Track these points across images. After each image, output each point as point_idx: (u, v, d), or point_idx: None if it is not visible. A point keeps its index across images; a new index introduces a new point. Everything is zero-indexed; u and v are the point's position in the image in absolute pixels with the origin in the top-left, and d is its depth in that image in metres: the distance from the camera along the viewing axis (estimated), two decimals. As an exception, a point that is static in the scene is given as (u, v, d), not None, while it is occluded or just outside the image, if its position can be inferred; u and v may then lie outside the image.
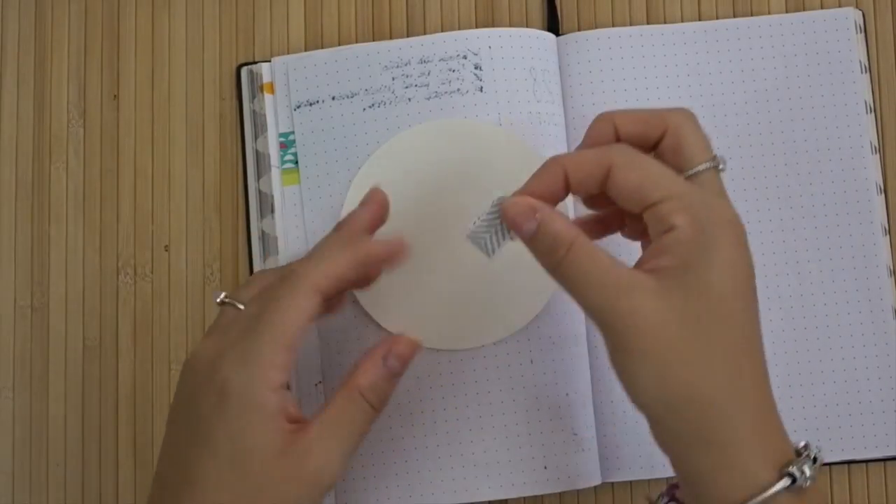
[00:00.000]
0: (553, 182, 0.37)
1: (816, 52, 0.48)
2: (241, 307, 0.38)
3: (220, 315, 0.39)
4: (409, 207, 0.46)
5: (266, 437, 0.35)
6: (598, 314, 0.35)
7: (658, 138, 0.37)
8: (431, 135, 0.47)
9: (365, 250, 0.38)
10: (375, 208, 0.41)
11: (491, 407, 0.45)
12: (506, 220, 0.37)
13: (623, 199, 0.36)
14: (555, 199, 0.37)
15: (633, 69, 0.48)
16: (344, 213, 0.46)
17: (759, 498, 0.33)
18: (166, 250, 0.48)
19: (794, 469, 0.33)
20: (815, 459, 0.34)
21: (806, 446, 0.35)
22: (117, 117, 0.49)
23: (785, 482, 0.33)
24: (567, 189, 0.37)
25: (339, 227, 0.41)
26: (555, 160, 0.37)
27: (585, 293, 0.35)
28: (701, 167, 0.37)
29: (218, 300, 0.39)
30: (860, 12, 0.49)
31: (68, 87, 0.49)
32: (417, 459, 0.45)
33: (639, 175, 0.35)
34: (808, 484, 0.34)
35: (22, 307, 0.48)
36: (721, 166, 0.37)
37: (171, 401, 0.46)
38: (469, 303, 0.45)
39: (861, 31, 0.48)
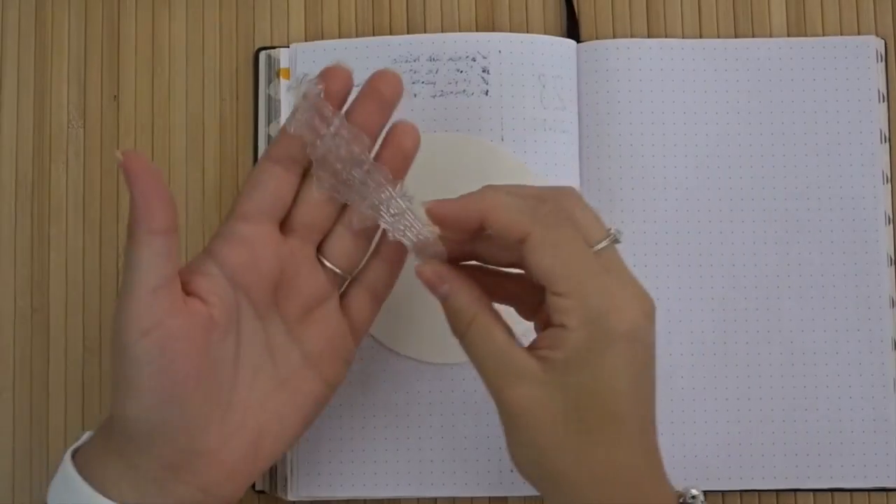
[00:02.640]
0: (469, 221, 0.36)
1: (835, 78, 0.47)
2: None
3: None
4: None
5: None
6: (492, 394, 0.36)
7: None
8: (426, 148, 0.46)
9: None
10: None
11: (465, 406, 0.46)
12: (422, 281, 0.37)
13: (532, 275, 0.36)
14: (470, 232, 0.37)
15: (650, 81, 0.47)
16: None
17: None
18: (166, 251, 0.48)
19: None
20: None
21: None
22: (117, 118, 0.49)
23: None
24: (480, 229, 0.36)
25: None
26: (481, 197, 0.36)
27: (482, 371, 0.37)
28: (599, 245, 0.36)
29: None
30: (882, 41, 0.48)
31: (68, 88, 0.49)
32: (387, 450, 0.46)
33: (548, 260, 0.35)
34: None
35: (22, 308, 0.48)
36: (618, 238, 0.36)
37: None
38: None
39: (881, 60, 0.48)
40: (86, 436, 0.38)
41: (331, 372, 0.39)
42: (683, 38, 0.48)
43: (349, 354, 0.40)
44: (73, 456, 0.37)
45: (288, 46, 0.48)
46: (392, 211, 0.37)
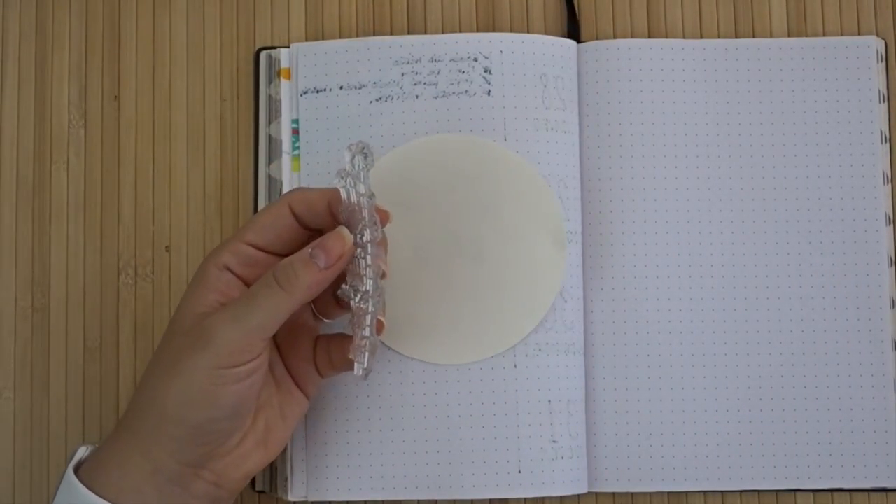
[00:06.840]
0: None
1: (836, 78, 0.47)
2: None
3: None
4: (407, 222, 0.46)
5: (186, 310, 0.39)
6: None
7: None
8: (432, 149, 0.46)
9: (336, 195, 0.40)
10: None
11: (471, 407, 0.45)
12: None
13: None
14: None
15: (650, 81, 0.47)
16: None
17: None
18: (167, 251, 0.48)
19: None
20: None
21: None
22: (118, 118, 0.49)
23: None
24: None
25: None
26: None
27: None
28: None
29: None
30: (882, 41, 0.48)
31: (69, 88, 0.49)
32: (393, 453, 0.45)
33: None
34: None
35: (23, 308, 0.48)
36: None
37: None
38: (463, 320, 0.46)
39: (882, 61, 0.48)
40: (81, 450, 0.40)
41: (306, 388, 0.43)
42: (684, 38, 0.48)
43: (318, 381, 0.43)
44: (75, 471, 0.38)
45: (288, 46, 0.48)
46: (363, 302, 0.40)
